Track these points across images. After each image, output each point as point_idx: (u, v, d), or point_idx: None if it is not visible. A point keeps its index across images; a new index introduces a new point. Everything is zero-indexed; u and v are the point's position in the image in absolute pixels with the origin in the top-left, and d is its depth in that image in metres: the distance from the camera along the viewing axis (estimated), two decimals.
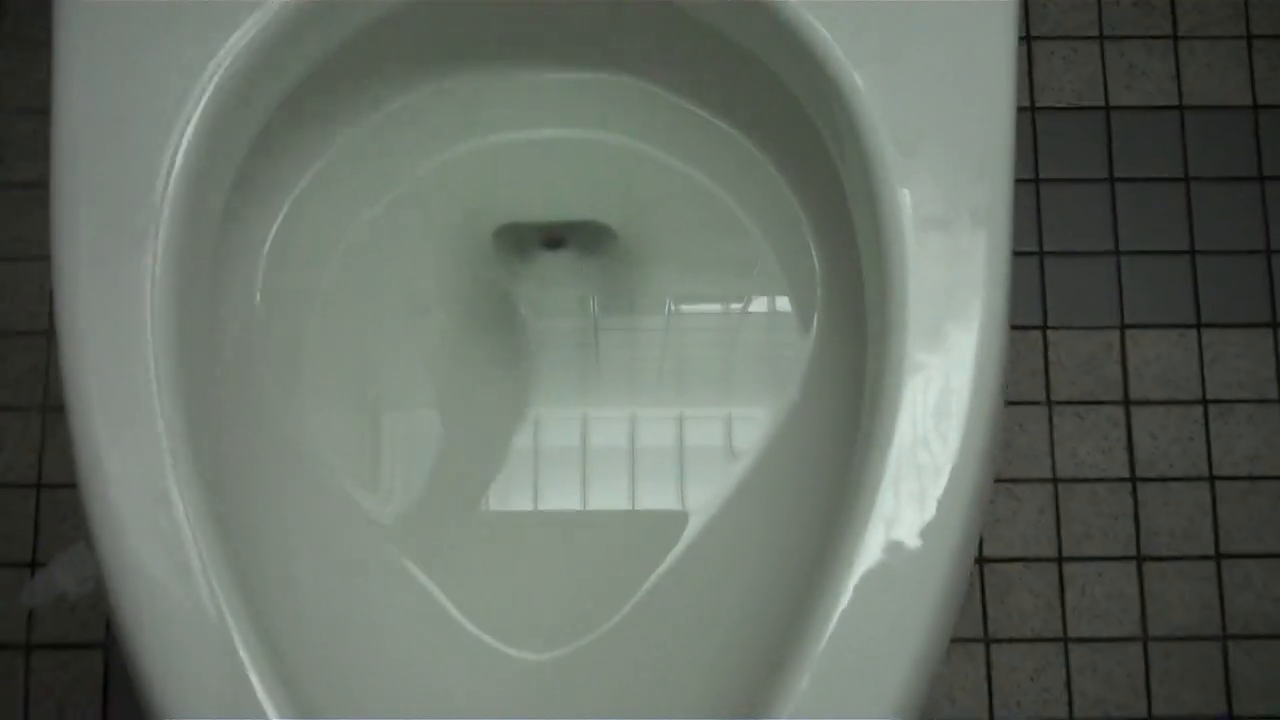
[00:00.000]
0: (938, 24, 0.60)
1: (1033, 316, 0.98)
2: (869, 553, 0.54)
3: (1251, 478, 0.96)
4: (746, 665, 0.62)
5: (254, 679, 0.53)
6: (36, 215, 0.98)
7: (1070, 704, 0.93)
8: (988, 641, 0.94)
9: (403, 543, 0.67)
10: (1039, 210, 0.99)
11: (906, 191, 0.58)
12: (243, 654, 0.53)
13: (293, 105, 0.62)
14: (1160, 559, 0.95)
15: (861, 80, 0.59)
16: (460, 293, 0.74)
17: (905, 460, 0.56)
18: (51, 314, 0.95)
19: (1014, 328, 0.97)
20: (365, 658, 0.64)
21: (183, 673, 0.54)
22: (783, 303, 0.72)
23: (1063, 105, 1.00)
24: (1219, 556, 0.95)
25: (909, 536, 0.55)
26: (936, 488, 0.55)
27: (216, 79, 0.57)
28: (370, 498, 0.68)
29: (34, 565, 0.93)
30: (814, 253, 0.71)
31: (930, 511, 0.55)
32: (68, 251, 0.58)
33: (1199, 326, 0.98)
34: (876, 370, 0.57)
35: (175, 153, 0.57)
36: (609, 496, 0.70)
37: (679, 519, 0.69)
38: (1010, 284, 0.59)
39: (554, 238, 0.75)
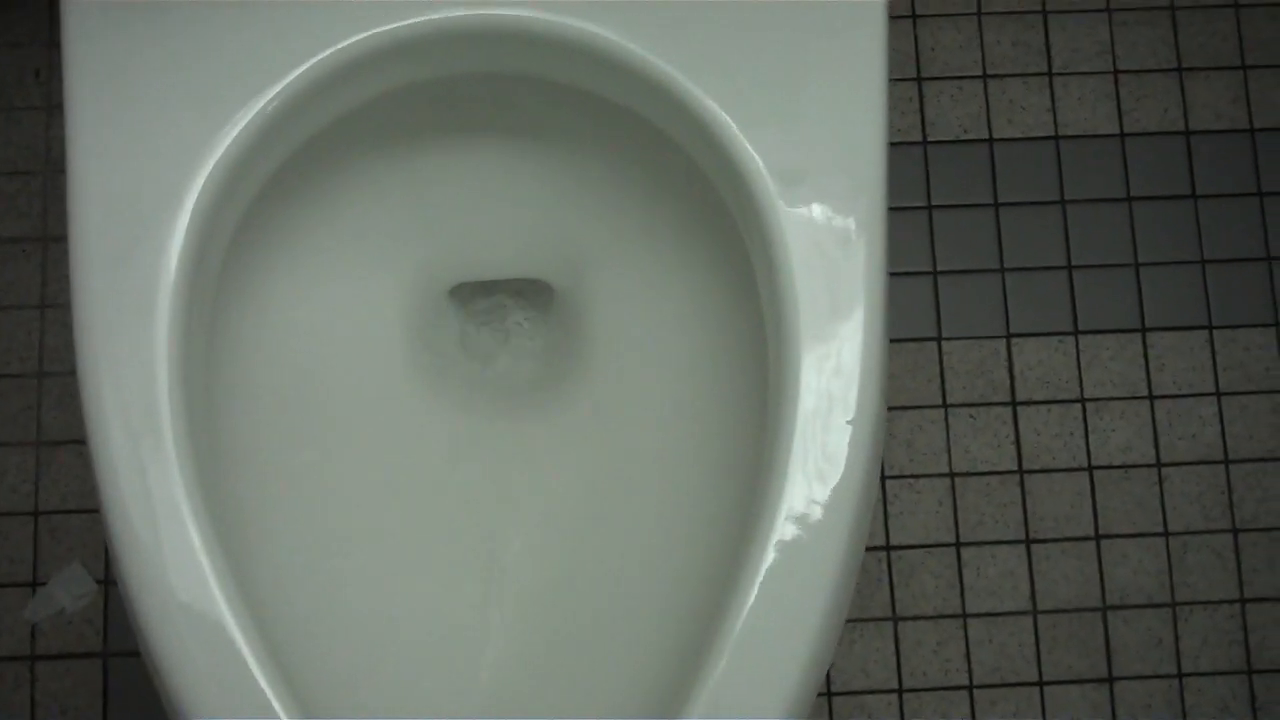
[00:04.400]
0: (812, 70, 0.70)
1: (928, 329, 1.09)
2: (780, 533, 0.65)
3: (1125, 466, 1.07)
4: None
5: (260, 680, 0.62)
6: (21, 266, 1.07)
7: (970, 672, 1.04)
8: (895, 620, 1.05)
9: (381, 554, 0.78)
10: (931, 234, 1.10)
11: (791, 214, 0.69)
12: (249, 658, 0.62)
13: (275, 182, 0.72)
14: (1046, 541, 1.06)
15: (749, 139, 0.70)
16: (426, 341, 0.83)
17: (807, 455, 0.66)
18: (40, 358, 1.05)
19: (911, 339, 1.09)
20: (352, 644, 0.74)
21: (198, 676, 0.62)
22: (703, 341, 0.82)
23: (951, 139, 1.11)
24: (1098, 537, 1.06)
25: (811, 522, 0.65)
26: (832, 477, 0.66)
27: (216, 157, 0.67)
28: (347, 516, 0.78)
29: (34, 585, 1.02)
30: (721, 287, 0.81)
31: (830, 486, 0.66)
32: (85, 312, 0.66)
33: (1076, 334, 1.09)
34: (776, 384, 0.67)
35: (179, 224, 0.66)
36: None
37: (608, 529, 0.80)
38: (886, 290, 0.69)
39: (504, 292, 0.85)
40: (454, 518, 0.80)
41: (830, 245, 0.68)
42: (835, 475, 0.66)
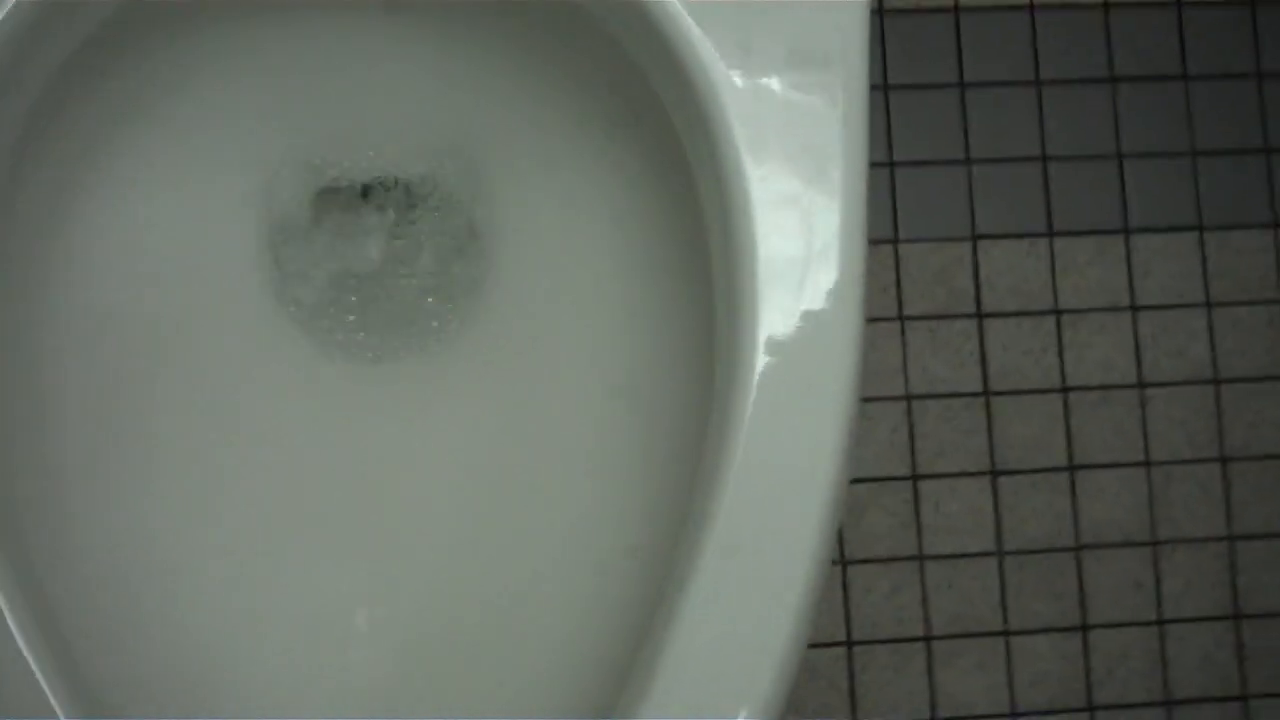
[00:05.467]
0: None
1: (883, 230, 0.95)
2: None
3: (1103, 387, 0.95)
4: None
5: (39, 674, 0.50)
6: None
7: (927, 622, 0.93)
8: (844, 564, 0.93)
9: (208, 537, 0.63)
10: (888, 119, 0.96)
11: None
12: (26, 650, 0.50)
13: (72, 69, 0.56)
14: (1014, 473, 0.94)
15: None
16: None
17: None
18: None
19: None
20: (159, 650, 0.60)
21: None
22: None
23: (910, 8, 0.97)
24: (1072, 468, 0.94)
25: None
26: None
27: None
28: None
29: None
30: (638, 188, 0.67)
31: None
32: None
33: (1050, 235, 0.96)
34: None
35: None
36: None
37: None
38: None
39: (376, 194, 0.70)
40: (323, 484, 0.65)
41: (797, 126, 0.55)
42: (814, 404, 0.53)
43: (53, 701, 0.50)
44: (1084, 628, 0.93)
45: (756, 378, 0.53)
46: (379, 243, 0.71)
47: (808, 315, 0.54)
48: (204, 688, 0.62)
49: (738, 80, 0.55)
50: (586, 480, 0.65)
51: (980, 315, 0.95)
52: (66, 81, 0.58)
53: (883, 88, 0.96)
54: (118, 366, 0.64)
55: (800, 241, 0.55)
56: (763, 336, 0.54)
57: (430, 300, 0.68)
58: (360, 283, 0.70)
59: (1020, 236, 0.96)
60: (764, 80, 0.55)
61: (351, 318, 0.69)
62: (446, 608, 0.64)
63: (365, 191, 0.71)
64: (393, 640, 0.64)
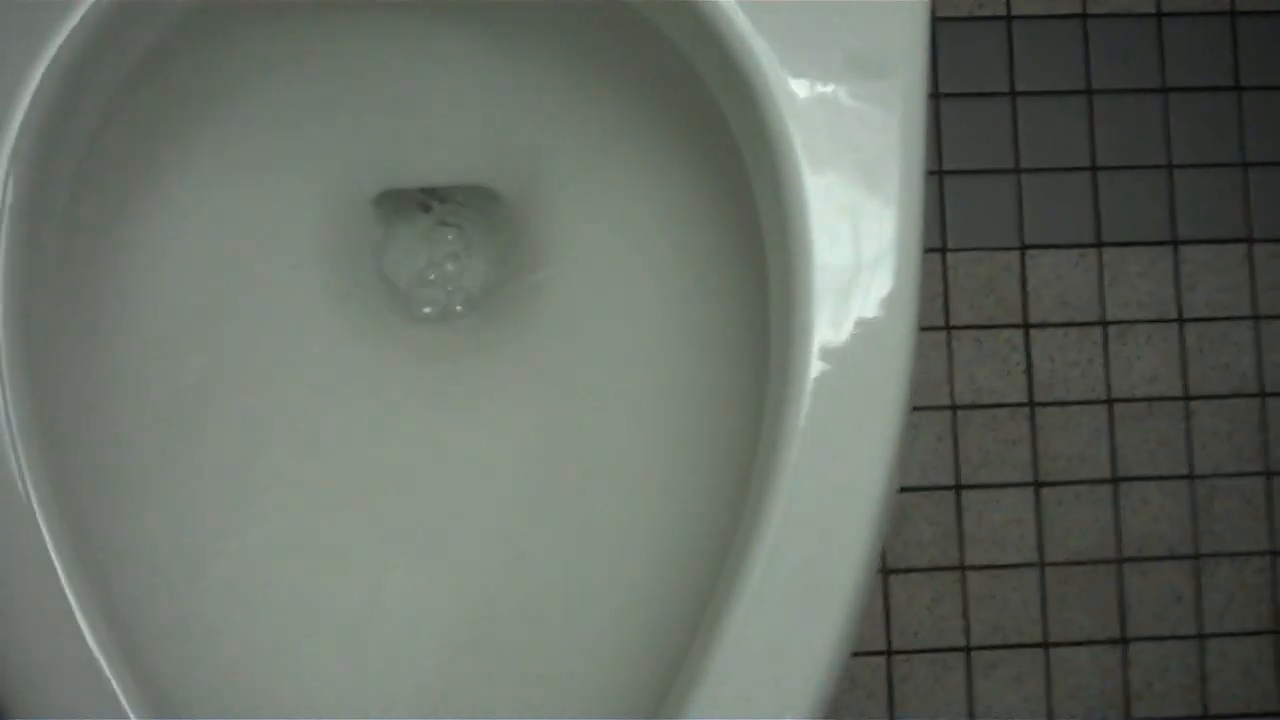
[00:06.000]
0: None
1: (931, 238, 0.95)
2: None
3: (1149, 399, 0.95)
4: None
5: (109, 675, 0.50)
6: None
7: (967, 631, 0.92)
8: (885, 572, 0.92)
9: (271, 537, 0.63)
10: (938, 126, 0.95)
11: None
12: (95, 649, 0.51)
13: (147, 71, 0.57)
14: (1057, 484, 0.94)
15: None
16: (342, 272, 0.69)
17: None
18: None
19: None
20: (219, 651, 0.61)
21: (35, 669, 0.51)
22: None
23: (963, 15, 0.96)
24: (1116, 480, 0.94)
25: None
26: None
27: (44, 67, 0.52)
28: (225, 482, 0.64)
29: None
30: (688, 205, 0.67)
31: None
32: None
33: (1099, 246, 0.95)
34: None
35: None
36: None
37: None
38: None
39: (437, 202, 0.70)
40: (378, 482, 0.65)
41: (856, 135, 0.54)
42: (866, 414, 0.53)
43: (123, 702, 0.51)
44: (1124, 641, 0.93)
45: (810, 386, 0.53)
46: (433, 245, 0.71)
47: (861, 324, 0.54)
48: (257, 688, 0.62)
49: (796, 88, 0.55)
50: (634, 484, 0.65)
51: (1027, 325, 0.95)
52: (131, 90, 0.58)
53: (933, 95, 0.95)
54: (180, 370, 0.64)
55: (856, 251, 0.55)
56: (816, 345, 0.53)
57: (483, 302, 0.68)
58: (416, 285, 0.70)
59: (1068, 247, 0.95)
60: (822, 88, 0.55)
61: (407, 321, 0.69)
62: (494, 609, 0.64)
63: (421, 194, 0.71)
64: (442, 641, 0.64)
